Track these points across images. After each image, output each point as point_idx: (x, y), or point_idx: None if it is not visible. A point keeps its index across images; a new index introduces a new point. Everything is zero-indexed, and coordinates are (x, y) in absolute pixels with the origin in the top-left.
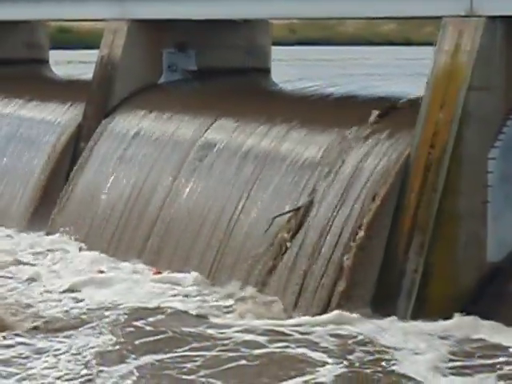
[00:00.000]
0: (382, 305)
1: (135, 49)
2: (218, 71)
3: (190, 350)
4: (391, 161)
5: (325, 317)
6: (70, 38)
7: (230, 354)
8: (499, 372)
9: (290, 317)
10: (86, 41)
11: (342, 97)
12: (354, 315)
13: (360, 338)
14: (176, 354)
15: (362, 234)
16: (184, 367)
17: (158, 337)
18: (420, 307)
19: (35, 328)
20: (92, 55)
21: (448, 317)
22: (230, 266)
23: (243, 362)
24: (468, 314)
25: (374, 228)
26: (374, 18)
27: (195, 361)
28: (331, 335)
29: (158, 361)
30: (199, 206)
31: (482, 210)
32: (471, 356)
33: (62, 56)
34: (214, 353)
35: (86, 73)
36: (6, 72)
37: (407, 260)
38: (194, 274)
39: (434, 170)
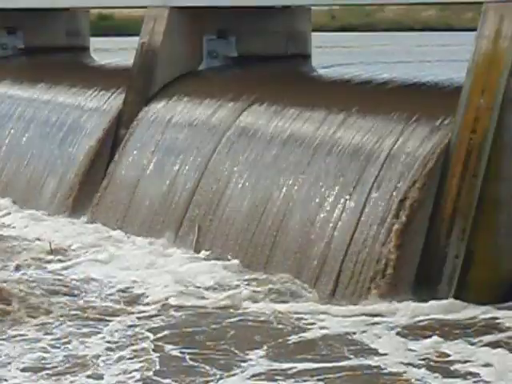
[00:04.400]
0: (423, 289)
1: (175, 35)
2: (258, 57)
3: None
4: (432, 145)
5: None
6: (110, 25)
7: None
8: None
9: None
10: (124, 28)
11: (382, 82)
12: None
13: None
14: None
15: (403, 217)
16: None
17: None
18: (461, 293)
19: None
20: (131, 42)
21: (488, 304)
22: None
23: None
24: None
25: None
26: (415, 4)
27: None
28: None
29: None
30: (237, 191)
31: None
32: None
33: (102, 43)
34: None
35: (126, 60)
36: (48, 59)
37: (448, 245)
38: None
39: (475, 156)
